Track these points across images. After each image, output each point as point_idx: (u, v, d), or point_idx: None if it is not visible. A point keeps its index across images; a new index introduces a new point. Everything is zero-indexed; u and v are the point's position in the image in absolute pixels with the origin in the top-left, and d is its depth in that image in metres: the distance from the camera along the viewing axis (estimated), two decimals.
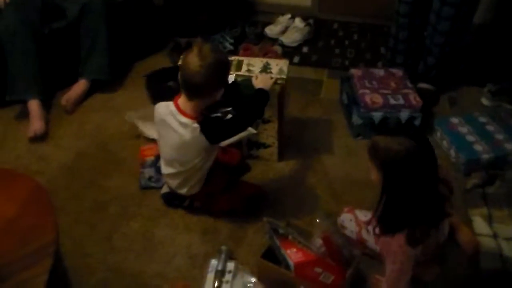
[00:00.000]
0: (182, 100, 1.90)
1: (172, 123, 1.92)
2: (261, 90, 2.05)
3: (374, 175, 1.63)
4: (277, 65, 2.33)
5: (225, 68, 1.89)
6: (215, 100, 1.90)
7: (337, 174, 2.37)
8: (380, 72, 2.74)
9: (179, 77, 1.86)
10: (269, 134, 2.34)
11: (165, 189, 2.20)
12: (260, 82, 2.09)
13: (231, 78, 2.24)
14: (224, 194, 2.11)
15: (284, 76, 2.26)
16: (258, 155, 2.42)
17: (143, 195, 2.28)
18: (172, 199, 2.18)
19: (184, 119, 1.88)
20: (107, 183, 2.34)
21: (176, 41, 3.18)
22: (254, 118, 2.06)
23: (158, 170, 2.25)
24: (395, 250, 1.61)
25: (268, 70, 2.29)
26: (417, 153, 1.55)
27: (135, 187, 2.32)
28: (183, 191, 2.08)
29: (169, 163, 2.04)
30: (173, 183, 2.08)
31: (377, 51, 3.34)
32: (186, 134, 1.89)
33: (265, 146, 2.39)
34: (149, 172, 2.29)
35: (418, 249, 1.61)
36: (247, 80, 2.21)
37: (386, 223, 1.63)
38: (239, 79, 2.25)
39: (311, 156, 2.47)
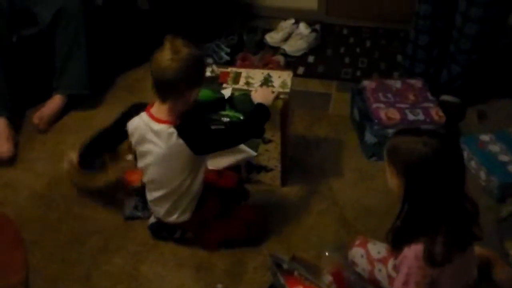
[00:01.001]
0: (155, 106, 1.93)
1: (147, 134, 1.94)
2: (260, 105, 2.08)
3: (394, 182, 1.63)
4: (279, 77, 2.36)
5: (199, 64, 1.92)
6: (190, 101, 1.92)
7: (348, 200, 2.38)
8: (396, 83, 2.77)
9: (151, 77, 1.90)
10: (271, 156, 2.36)
11: (152, 219, 2.21)
12: (260, 96, 2.12)
13: (227, 92, 2.27)
14: (219, 221, 2.12)
15: (287, 90, 2.29)
16: (259, 179, 2.43)
17: (127, 226, 2.29)
18: (161, 230, 2.19)
19: (158, 126, 1.91)
20: (86, 213, 2.35)
21: None
22: (249, 135, 2.09)
23: (144, 198, 2.25)
24: (410, 264, 1.58)
25: (270, 83, 2.32)
26: (445, 154, 1.54)
27: (118, 217, 2.32)
28: (172, 218, 2.08)
29: (154, 185, 2.06)
30: (161, 210, 2.09)
31: (393, 59, 3.37)
32: (162, 143, 1.91)
33: (266, 169, 2.41)
34: (134, 200, 2.31)
35: (436, 273, 1.59)
36: (245, 95, 2.24)
37: (405, 234, 1.62)
38: (236, 93, 2.27)
39: (319, 180, 2.48)
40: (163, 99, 1.89)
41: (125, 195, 2.33)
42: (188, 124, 1.93)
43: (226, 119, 2.28)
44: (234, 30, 3.51)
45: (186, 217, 2.09)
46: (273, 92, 2.18)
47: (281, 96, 2.26)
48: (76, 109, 2.95)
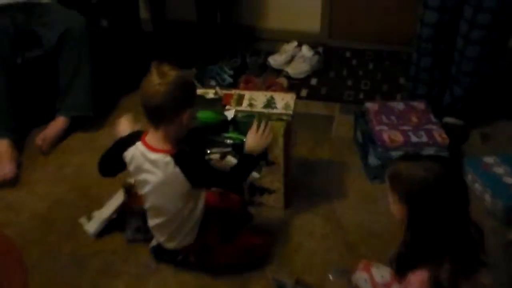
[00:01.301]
0: (149, 134, 1.91)
1: (144, 165, 1.92)
2: (248, 156, 2.06)
3: (397, 209, 1.61)
4: (282, 99, 2.34)
5: (188, 85, 1.90)
6: (184, 125, 1.90)
7: (352, 222, 2.36)
8: (399, 105, 2.75)
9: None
10: (274, 178, 2.34)
11: (154, 242, 2.18)
12: (252, 143, 2.08)
13: (230, 114, 2.26)
14: (223, 246, 2.09)
15: (291, 112, 2.28)
16: (262, 201, 2.41)
17: (129, 249, 2.27)
18: (163, 254, 2.16)
19: (154, 155, 1.88)
20: (87, 236, 2.32)
21: None
22: (236, 184, 2.10)
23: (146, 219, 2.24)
24: None
25: (273, 105, 2.31)
26: (448, 180, 1.53)
27: (120, 239, 2.30)
28: (173, 244, 2.07)
29: (154, 212, 2.04)
30: (161, 237, 2.08)
31: (396, 81, 3.36)
32: (159, 172, 1.89)
33: (269, 191, 2.38)
34: (136, 221, 2.28)
35: None
36: (248, 117, 2.22)
37: (410, 260, 1.60)
38: (239, 115, 2.26)
39: (322, 203, 2.47)
40: (156, 126, 1.87)
41: (127, 217, 2.30)
42: (185, 154, 1.91)
43: (229, 141, 2.26)
44: (237, 52, 3.51)
45: (187, 241, 2.06)
46: (267, 136, 2.12)
47: (284, 118, 2.25)
48: (79, 130, 2.95)
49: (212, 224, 2.08)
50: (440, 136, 2.54)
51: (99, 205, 2.42)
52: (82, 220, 2.36)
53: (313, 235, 2.31)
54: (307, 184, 2.56)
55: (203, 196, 2.03)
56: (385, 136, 2.54)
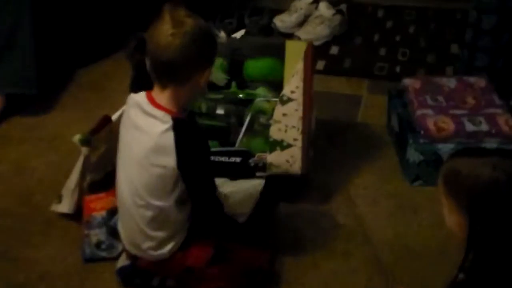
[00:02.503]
0: (155, 90, 1.94)
1: (139, 120, 1.95)
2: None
3: (454, 220, 1.60)
4: None
5: (209, 38, 1.93)
6: (199, 88, 1.94)
7: (384, 237, 2.38)
8: (450, 82, 2.76)
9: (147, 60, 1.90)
10: (289, 122, 2.34)
11: (123, 261, 2.20)
12: None
13: (239, 34, 2.35)
14: (212, 267, 2.11)
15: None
16: (271, 162, 2.40)
17: (87, 270, 2.27)
18: (134, 277, 2.17)
19: (155, 110, 1.92)
20: (31, 254, 2.33)
21: (138, 37, 3.17)
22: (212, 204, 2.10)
23: (111, 231, 2.25)
24: None
25: None
26: None
27: (75, 258, 2.31)
28: (144, 247, 2.06)
29: (128, 192, 2.04)
30: (130, 234, 2.09)
31: (446, 49, 3.38)
32: (153, 135, 1.91)
33: (282, 146, 2.38)
34: (97, 234, 2.29)
35: None
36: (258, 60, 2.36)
37: None
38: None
39: (345, 210, 2.48)
40: (163, 86, 1.91)
41: (84, 228, 2.32)
42: (188, 124, 1.95)
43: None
44: (232, 11, 3.54)
45: (163, 253, 2.07)
46: None
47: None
48: (19, 114, 2.97)
49: (199, 242, 2.09)
50: (506, 123, 2.56)
51: (46, 214, 2.45)
52: (53, 206, 2.42)
53: (332, 252, 2.32)
54: (324, 184, 2.58)
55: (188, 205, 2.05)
56: (430, 123, 2.55)
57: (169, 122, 1.90)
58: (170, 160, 1.91)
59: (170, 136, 1.90)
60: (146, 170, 1.96)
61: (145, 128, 1.94)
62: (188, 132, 1.94)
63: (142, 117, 1.95)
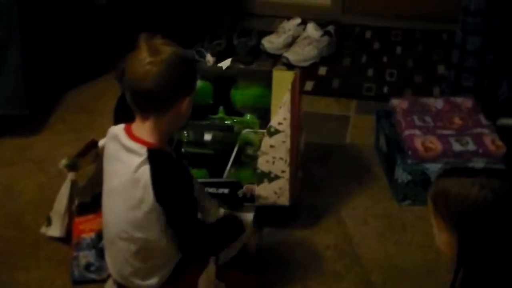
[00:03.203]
0: (136, 124, 1.92)
1: (119, 152, 1.93)
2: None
3: (443, 239, 1.60)
4: None
5: (188, 66, 1.90)
6: (181, 116, 1.91)
7: (374, 257, 2.37)
8: (437, 102, 2.77)
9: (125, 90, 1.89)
10: (277, 154, 2.31)
11: (111, 285, 2.17)
12: None
13: (226, 64, 2.35)
14: None
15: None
16: (260, 195, 2.38)
17: None
18: None
19: (131, 143, 1.89)
20: (18, 278, 2.32)
21: (127, 59, 3.21)
22: (201, 242, 2.05)
23: (101, 253, 2.23)
24: None
25: None
26: (509, 199, 1.51)
27: (63, 280, 2.30)
28: (133, 276, 2.02)
29: (113, 230, 2.00)
30: (116, 266, 2.04)
31: (433, 70, 3.40)
32: (129, 165, 1.88)
33: (269, 177, 2.36)
34: (86, 256, 2.28)
35: None
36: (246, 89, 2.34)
37: None
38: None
39: (334, 231, 2.48)
40: (144, 116, 1.88)
41: (73, 250, 2.30)
42: (164, 155, 1.91)
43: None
44: (221, 32, 3.55)
45: (151, 283, 2.03)
46: None
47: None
48: (8, 135, 2.96)
49: (191, 270, 2.05)
50: (493, 143, 2.56)
51: (34, 235, 2.44)
52: (43, 229, 2.42)
53: (323, 273, 2.31)
54: (313, 206, 2.58)
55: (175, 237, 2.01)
56: (418, 143, 2.55)
57: (144, 155, 1.86)
58: (147, 194, 1.87)
59: (146, 169, 1.86)
60: (127, 203, 1.92)
61: (123, 161, 1.92)
62: (165, 163, 1.90)
63: (120, 150, 1.92)
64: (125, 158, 1.91)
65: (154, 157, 1.87)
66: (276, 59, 3.50)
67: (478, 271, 1.54)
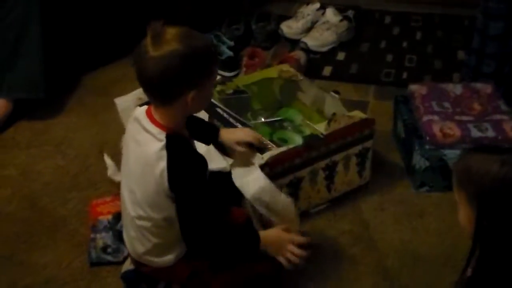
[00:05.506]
0: (152, 106, 1.94)
1: (138, 134, 1.95)
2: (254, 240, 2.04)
3: (464, 215, 1.61)
4: None
5: (194, 60, 1.86)
6: (192, 109, 1.93)
7: (390, 243, 2.37)
8: (456, 88, 2.76)
9: None
10: None
11: (127, 266, 2.19)
12: (274, 245, 2.06)
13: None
14: (218, 273, 2.09)
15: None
16: None
17: (93, 274, 2.27)
18: (139, 281, 2.15)
19: (151, 126, 1.91)
20: (35, 259, 2.33)
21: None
22: (211, 238, 2.02)
23: (118, 235, 2.25)
24: None
25: None
26: None
27: (81, 262, 2.31)
28: (148, 254, 2.05)
29: (130, 201, 2.02)
30: (133, 243, 2.07)
31: (453, 56, 3.39)
32: (148, 148, 1.90)
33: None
34: (103, 238, 2.29)
35: None
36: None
37: None
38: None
39: (350, 215, 2.48)
40: (154, 103, 1.91)
41: (91, 232, 2.32)
42: (183, 143, 1.93)
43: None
44: (239, 17, 3.54)
45: (166, 260, 2.05)
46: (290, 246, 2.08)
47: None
48: (25, 118, 2.98)
49: None
50: None
51: (52, 217, 2.46)
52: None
53: (338, 258, 2.32)
54: None
55: None
56: (436, 129, 2.55)
57: (162, 140, 1.88)
58: (164, 180, 1.89)
59: (163, 156, 1.88)
60: (143, 184, 1.94)
61: (142, 143, 1.93)
62: (182, 152, 1.91)
63: (140, 132, 1.94)
64: (145, 141, 1.92)
65: (172, 144, 1.88)
66: (294, 44, 3.49)
67: (493, 250, 1.54)
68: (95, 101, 3.09)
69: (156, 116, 1.91)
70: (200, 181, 1.94)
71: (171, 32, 1.83)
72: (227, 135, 2.19)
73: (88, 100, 3.09)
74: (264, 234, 2.06)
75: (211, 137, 2.21)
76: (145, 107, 1.96)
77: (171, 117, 1.90)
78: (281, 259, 2.05)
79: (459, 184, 1.61)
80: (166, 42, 1.81)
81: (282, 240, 2.07)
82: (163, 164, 1.87)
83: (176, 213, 1.94)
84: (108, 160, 2.60)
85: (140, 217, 1.99)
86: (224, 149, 2.26)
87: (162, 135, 1.88)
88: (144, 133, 1.92)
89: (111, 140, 2.75)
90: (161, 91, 1.86)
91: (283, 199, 2.17)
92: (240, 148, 2.19)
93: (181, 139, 1.93)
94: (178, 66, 1.82)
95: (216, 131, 2.21)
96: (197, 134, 2.13)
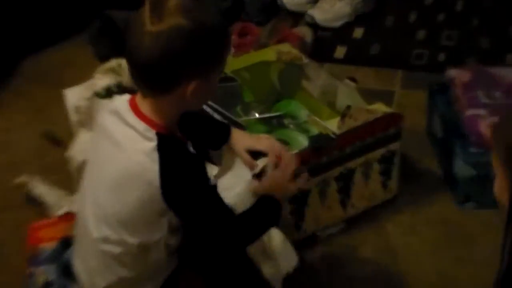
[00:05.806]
0: (138, 96, 1.94)
1: (113, 129, 1.93)
2: (268, 200, 2.11)
3: (500, 184, 1.65)
4: None
5: (202, 39, 1.85)
6: (189, 103, 1.90)
7: (424, 277, 2.37)
8: (509, 73, 2.74)
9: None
10: None
11: None
12: (269, 186, 2.14)
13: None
14: None
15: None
16: None
17: None
18: None
19: (136, 120, 1.89)
20: None
21: (105, 17, 3.21)
22: (234, 242, 2.09)
23: (64, 268, 2.21)
24: None
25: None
26: None
27: None
28: None
29: (93, 230, 2.00)
30: (90, 277, 2.05)
31: (504, 32, 3.39)
32: (132, 149, 1.88)
33: None
34: (45, 273, 2.25)
35: None
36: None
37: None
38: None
39: (373, 241, 2.48)
40: (142, 94, 1.90)
41: (28, 265, 2.27)
42: (177, 143, 1.92)
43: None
44: None
45: None
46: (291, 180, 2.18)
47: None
48: None
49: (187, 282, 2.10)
50: None
51: None
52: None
53: None
54: None
55: (175, 237, 2.02)
56: (484, 127, 2.52)
57: (152, 140, 1.87)
58: (152, 191, 1.87)
59: (154, 159, 1.86)
60: (120, 195, 1.92)
61: (123, 143, 1.91)
62: (178, 153, 1.91)
63: (121, 128, 1.92)
64: (126, 140, 1.90)
65: (164, 144, 1.88)
66: (297, 18, 3.51)
67: None
68: (33, 91, 3.12)
69: (143, 109, 1.90)
70: (204, 188, 1.95)
71: (175, 1, 1.82)
72: (244, 140, 2.25)
73: (24, 90, 3.13)
74: (263, 188, 2.15)
75: (221, 141, 2.27)
76: (127, 96, 1.94)
77: (163, 112, 1.89)
78: (292, 191, 2.20)
79: (505, 162, 1.63)
80: (169, 14, 1.80)
81: (279, 181, 2.17)
82: (153, 169, 1.85)
83: (182, 226, 1.98)
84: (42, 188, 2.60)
85: (106, 240, 1.96)
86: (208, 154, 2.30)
87: (151, 133, 1.87)
88: (126, 129, 1.90)
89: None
90: (155, 77, 1.84)
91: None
92: (246, 158, 2.24)
93: (175, 140, 1.93)
94: (180, 46, 1.80)
95: (228, 133, 2.25)
96: (201, 136, 2.18)
